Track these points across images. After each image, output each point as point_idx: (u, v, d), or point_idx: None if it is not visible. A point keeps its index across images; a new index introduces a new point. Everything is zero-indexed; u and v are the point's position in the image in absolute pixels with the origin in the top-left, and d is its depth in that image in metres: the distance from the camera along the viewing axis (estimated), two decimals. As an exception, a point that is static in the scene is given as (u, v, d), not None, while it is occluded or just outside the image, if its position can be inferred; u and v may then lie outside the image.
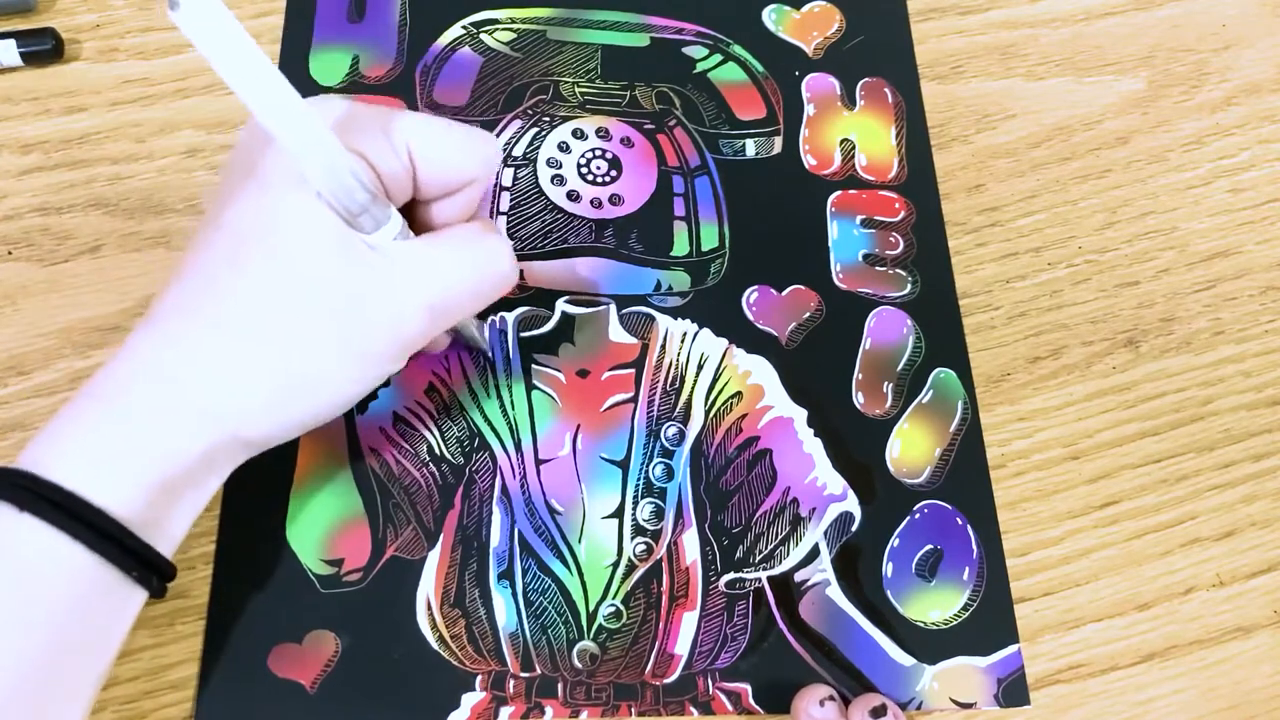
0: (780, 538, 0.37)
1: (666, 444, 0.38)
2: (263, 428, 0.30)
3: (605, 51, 0.45)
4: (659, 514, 0.37)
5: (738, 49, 0.46)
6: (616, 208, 0.42)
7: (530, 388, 0.39)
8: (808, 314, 0.41)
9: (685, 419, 0.39)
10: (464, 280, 0.31)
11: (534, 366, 0.39)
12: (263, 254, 0.28)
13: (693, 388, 0.39)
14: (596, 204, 0.42)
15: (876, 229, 0.43)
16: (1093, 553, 0.38)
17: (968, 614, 0.37)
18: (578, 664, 0.35)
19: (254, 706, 0.34)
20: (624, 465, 0.38)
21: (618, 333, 0.40)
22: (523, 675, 0.35)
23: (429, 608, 0.35)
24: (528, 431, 0.38)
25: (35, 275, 0.39)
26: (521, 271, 0.40)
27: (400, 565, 0.36)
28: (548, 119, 0.43)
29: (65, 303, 0.39)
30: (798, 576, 0.37)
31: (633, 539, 0.37)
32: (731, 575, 0.37)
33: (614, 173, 0.43)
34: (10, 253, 0.40)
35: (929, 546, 0.38)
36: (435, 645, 0.35)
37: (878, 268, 0.42)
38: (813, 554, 0.37)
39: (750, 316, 0.41)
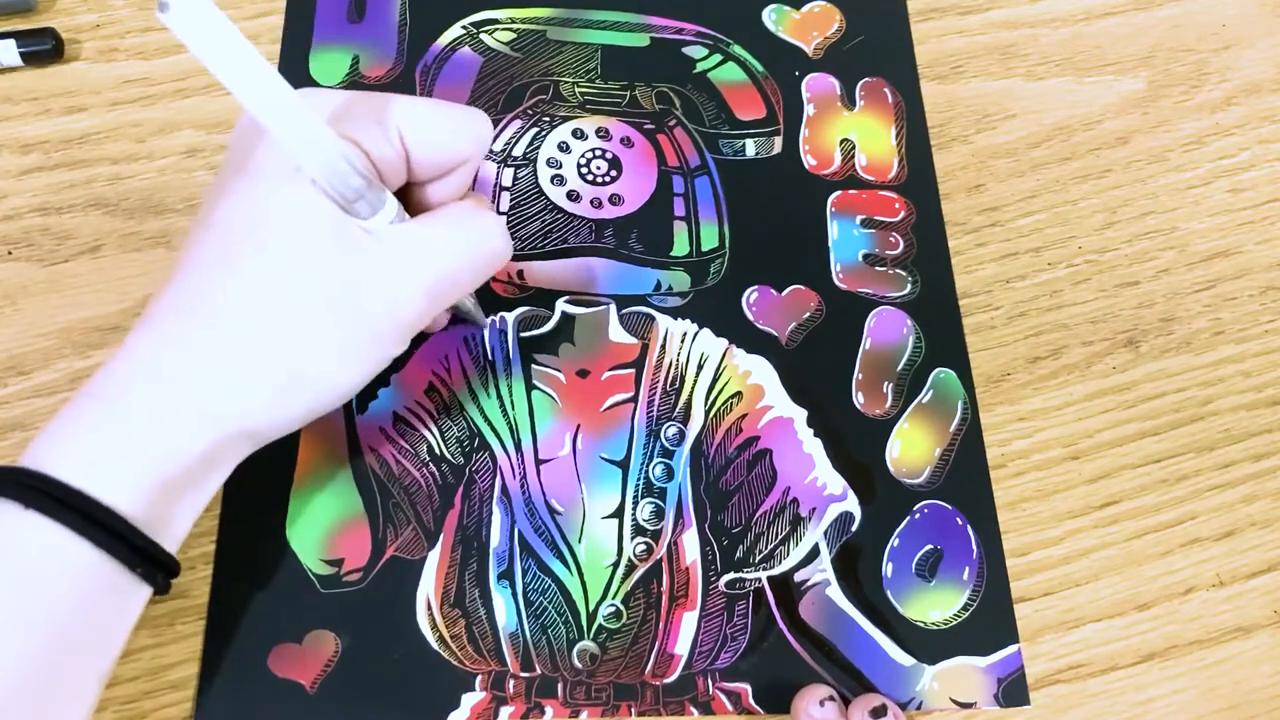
0: (780, 538, 0.37)
1: (666, 444, 0.38)
2: (266, 421, 0.30)
3: (605, 51, 0.45)
4: (659, 514, 0.37)
5: (738, 49, 0.46)
6: (616, 208, 0.42)
7: (530, 388, 0.39)
8: (808, 314, 0.41)
9: (685, 419, 0.39)
10: (459, 259, 0.31)
11: (534, 366, 0.39)
12: (256, 246, 0.28)
13: (693, 388, 0.39)
14: (596, 204, 0.42)
15: (876, 229, 0.43)
16: (1093, 553, 0.38)
17: (968, 614, 0.37)
18: (578, 664, 0.35)
19: (254, 706, 0.34)
20: (624, 465, 0.38)
21: (618, 333, 0.40)
22: (523, 675, 0.35)
23: (429, 608, 0.35)
24: (528, 431, 0.38)
25: (35, 275, 0.39)
26: (521, 271, 0.40)
27: (400, 565, 0.36)
28: (548, 119, 0.43)
29: (65, 303, 0.39)
30: (798, 576, 0.37)
31: (633, 539, 0.37)
32: (731, 575, 0.37)
33: (614, 173, 0.43)
34: (10, 253, 0.40)
35: (929, 546, 0.38)
36: (435, 645, 0.35)
37: (878, 268, 0.42)
38: (813, 554, 0.37)
39: (750, 316, 0.41)
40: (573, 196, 0.42)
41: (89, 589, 0.28)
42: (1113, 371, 0.41)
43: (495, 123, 0.43)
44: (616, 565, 0.36)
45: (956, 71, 0.47)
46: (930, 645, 0.36)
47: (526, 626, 0.35)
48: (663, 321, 0.40)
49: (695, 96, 0.44)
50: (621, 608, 0.36)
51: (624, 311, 0.40)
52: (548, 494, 0.37)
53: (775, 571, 0.37)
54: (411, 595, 0.35)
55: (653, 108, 0.44)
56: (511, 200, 0.42)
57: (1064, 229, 0.44)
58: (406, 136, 0.30)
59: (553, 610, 0.36)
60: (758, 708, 0.35)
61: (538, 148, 0.43)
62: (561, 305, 0.40)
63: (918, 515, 0.38)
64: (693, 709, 0.35)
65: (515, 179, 0.42)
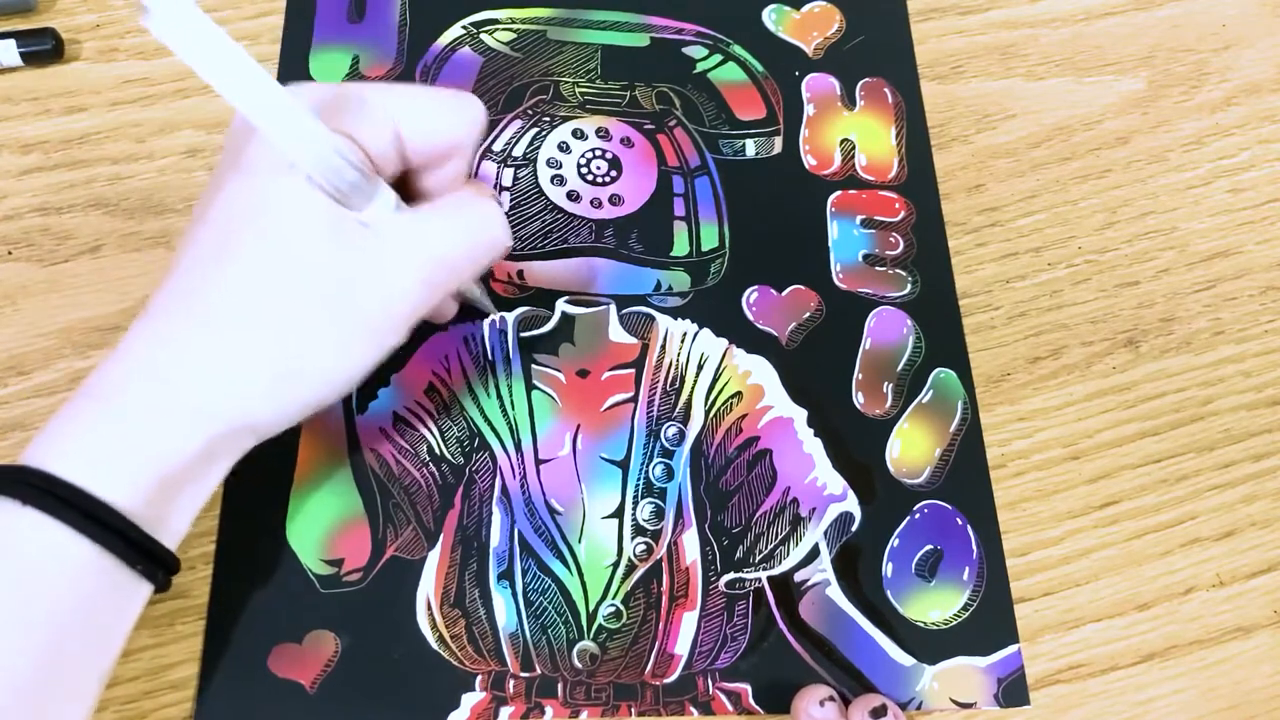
0: (780, 538, 0.37)
1: (666, 444, 0.38)
2: (265, 415, 0.30)
3: (605, 51, 0.45)
4: (659, 514, 0.37)
5: (738, 49, 0.46)
6: (616, 208, 0.42)
7: (530, 388, 0.39)
8: (808, 314, 0.41)
9: (685, 419, 0.39)
10: (457, 247, 0.31)
11: (534, 366, 0.39)
12: (255, 235, 0.28)
13: (693, 388, 0.39)
14: (596, 204, 0.42)
15: (876, 229, 0.43)
16: (1093, 553, 0.38)
17: (968, 614, 0.37)
18: (578, 664, 0.35)
19: (254, 706, 0.34)
20: (624, 465, 0.38)
21: (618, 333, 0.40)
22: (523, 675, 0.35)
23: (429, 608, 0.35)
24: (528, 431, 0.38)
25: (35, 275, 0.39)
26: (521, 271, 0.40)
27: (400, 565, 0.36)
28: (548, 119, 0.43)
29: (65, 303, 0.39)
30: (798, 576, 0.37)
31: (633, 539, 0.37)
32: (731, 575, 0.37)
33: (614, 173, 0.43)
34: (10, 253, 0.40)
35: (929, 546, 0.38)
36: (435, 645, 0.35)
37: (878, 268, 0.42)
38: (813, 554, 0.37)
39: (750, 316, 0.41)
40: (573, 196, 0.42)
41: (89, 587, 0.28)
42: (1113, 371, 0.41)
43: (495, 123, 0.43)
44: (616, 565, 0.36)
45: (956, 71, 0.47)
46: (930, 645, 0.36)
47: (526, 626, 0.35)
48: (663, 321, 0.40)
49: (695, 96, 0.44)
50: (621, 608, 0.36)
51: (624, 311, 0.40)
52: (548, 494, 0.37)
53: (775, 571, 0.37)
54: (411, 595, 0.35)
55: (653, 108, 0.44)
56: (511, 200, 0.42)
57: (1064, 229, 0.44)
58: (400, 125, 0.30)
59: (553, 610, 0.36)
60: (758, 708, 0.35)
61: (538, 148, 0.43)
62: (561, 305, 0.40)
63: (918, 515, 0.38)
64: (693, 709, 0.35)
65: (515, 179, 0.42)
